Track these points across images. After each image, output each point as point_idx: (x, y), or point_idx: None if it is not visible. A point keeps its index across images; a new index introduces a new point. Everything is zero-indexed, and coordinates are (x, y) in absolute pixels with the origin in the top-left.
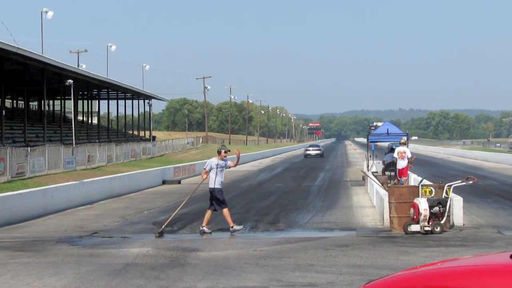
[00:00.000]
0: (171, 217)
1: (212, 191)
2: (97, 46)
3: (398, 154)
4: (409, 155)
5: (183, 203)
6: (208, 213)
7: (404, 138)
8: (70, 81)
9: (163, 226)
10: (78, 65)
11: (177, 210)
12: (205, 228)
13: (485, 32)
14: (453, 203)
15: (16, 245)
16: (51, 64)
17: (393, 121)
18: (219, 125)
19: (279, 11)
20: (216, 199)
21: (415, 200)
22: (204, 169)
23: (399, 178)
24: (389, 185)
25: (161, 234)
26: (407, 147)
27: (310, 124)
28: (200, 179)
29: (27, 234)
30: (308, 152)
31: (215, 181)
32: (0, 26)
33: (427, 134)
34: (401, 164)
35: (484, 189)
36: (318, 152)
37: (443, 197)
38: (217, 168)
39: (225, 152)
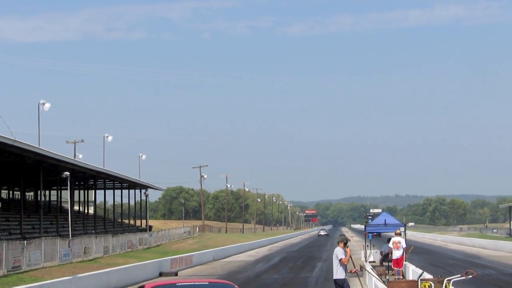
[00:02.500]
0: None
1: (343, 282)
2: (93, 136)
3: (393, 244)
4: (404, 245)
5: None
6: None
7: (401, 229)
8: (67, 173)
9: None
10: (74, 156)
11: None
12: None
13: (479, 119)
14: None
15: None
16: (48, 156)
17: (389, 207)
18: (215, 213)
19: (275, 102)
20: None
21: None
22: (343, 258)
23: (394, 268)
24: (387, 276)
25: None
26: (404, 237)
27: (307, 212)
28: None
29: None
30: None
31: (344, 271)
32: None
33: (424, 220)
34: (396, 254)
35: (483, 279)
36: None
37: None
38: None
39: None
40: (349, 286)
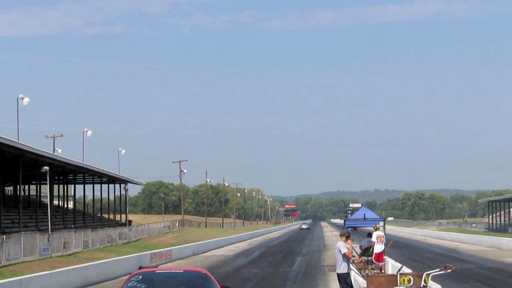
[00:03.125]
0: None
1: (346, 276)
2: (73, 131)
3: (377, 239)
4: (384, 240)
5: None
6: None
7: (380, 223)
8: (46, 168)
9: None
10: (54, 150)
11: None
12: None
13: (459, 115)
14: None
15: None
16: (27, 151)
17: (368, 202)
18: (195, 208)
19: (255, 97)
20: (347, 284)
21: None
22: (346, 252)
23: (374, 262)
24: (366, 271)
25: None
26: (384, 231)
27: (286, 206)
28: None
29: None
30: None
31: (347, 265)
32: None
33: (403, 214)
34: (379, 248)
35: (462, 274)
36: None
37: (421, 286)
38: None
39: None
40: (351, 280)
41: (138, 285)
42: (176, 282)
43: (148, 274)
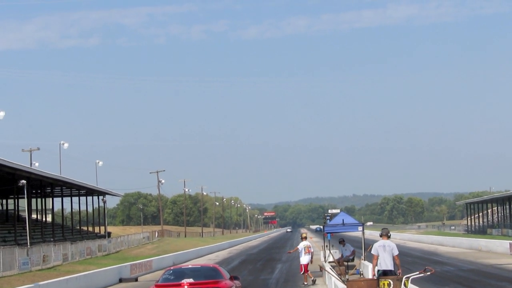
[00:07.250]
0: None
1: (390, 272)
2: (50, 144)
3: (304, 249)
4: (312, 250)
5: None
6: None
7: (305, 233)
8: (24, 181)
9: None
10: (31, 164)
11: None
12: None
13: (435, 118)
14: None
15: None
16: (3, 165)
17: (347, 207)
18: (174, 218)
19: (233, 106)
20: None
21: None
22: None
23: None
24: (346, 276)
25: None
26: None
27: (265, 214)
28: None
29: None
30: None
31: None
32: None
33: (382, 219)
34: (306, 259)
35: (442, 276)
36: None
37: None
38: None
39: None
40: None
41: (170, 277)
42: (196, 273)
43: (177, 269)
